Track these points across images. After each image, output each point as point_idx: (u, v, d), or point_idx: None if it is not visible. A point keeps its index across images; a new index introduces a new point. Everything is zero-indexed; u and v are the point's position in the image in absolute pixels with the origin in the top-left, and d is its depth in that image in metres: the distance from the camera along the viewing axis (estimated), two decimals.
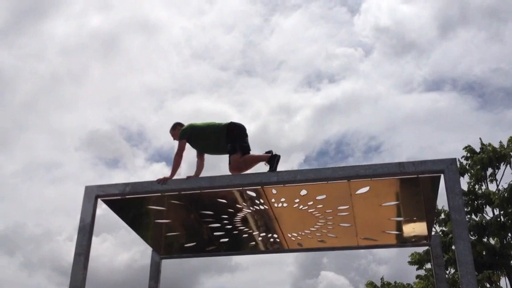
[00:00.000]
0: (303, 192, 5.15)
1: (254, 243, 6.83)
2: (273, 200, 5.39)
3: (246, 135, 5.47)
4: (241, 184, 4.96)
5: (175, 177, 5.16)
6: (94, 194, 5.13)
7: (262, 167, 5.11)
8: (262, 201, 5.40)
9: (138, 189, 5.12)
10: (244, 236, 6.53)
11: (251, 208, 5.63)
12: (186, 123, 5.67)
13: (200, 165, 5.55)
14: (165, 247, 7.02)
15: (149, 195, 5.24)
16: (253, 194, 5.23)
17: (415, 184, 4.92)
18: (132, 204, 5.48)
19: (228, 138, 5.33)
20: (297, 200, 5.39)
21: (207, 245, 7.01)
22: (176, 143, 5.47)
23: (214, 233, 6.46)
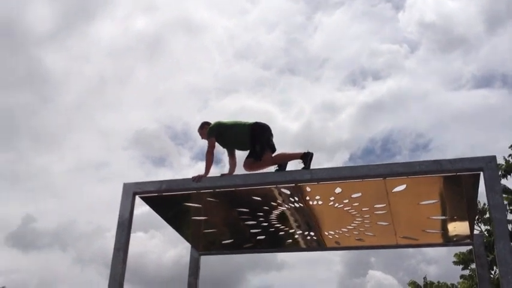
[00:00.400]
0: (338, 190, 5.10)
1: (291, 240, 6.82)
2: (307, 198, 5.36)
3: (271, 135, 5.48)
4: (275, 182, 4.97)
5: (209, 174, 5.21)
6: (132, 191, 5.24)
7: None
8: (297, 198, 5.38)
9: (174, 186, 5.20)
10: (280, 233, 6.53)
11: (286, 206, 5.62)
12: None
13: (233, 164, 5.58)
14: (203, 244, 7.10)
15: (185, 193, 5.31)
16: (288, 192, 5.21)
17: (454, 182, 4.80)
18: (168, 201, 5.56)
19: (252, 137, 5.36)
20: (332, 198, 5.34)
21: (244, 242, 7.05)
22: (204, 142, 5.54)
23: (251, 231, 6.49)
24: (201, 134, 5.75)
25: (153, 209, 5.79)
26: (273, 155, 5.25)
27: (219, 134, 5.48)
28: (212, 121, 5.69)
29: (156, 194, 5.33)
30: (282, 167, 5.13)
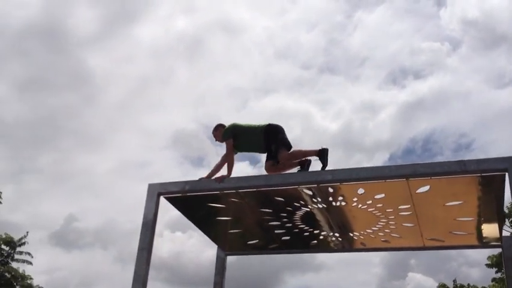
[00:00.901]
0: (360, 191, 5.08)
1: (316, 242, 6.80)
2: (330, 199, 5.35)
3: (282, 132, 5.53)
4: (297, 182, 4.98)
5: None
6: (156, 192, 5.33)
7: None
8: (319, 199, 5.37)
9: (197, 187, 5.28)
10: (305, 234, 6.52)
11: (309, 207, 5.62)
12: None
13: (230, 165, 5.57)
14: (229, 244, 7.16)
15: (208, 193, 5.37)
16: (310, 193, 5.21)
17: (479, 183, 4.71)
18: (192, 202, 5.63)
19: (267, 139, 5.41)
20: (355, 199, 5.32)
21: (269, 243, 7.07)
22: (218, 144, 5.63)
23: (276, 231, 6.51)
24: (215, 136, 5.82)
25: (178, 210, 5.88)
26: (289, 152, 5.29)
27: (234, 135, 5.53)
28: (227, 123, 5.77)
29: (180, 195, 5.43)
30: (304, 167, 5.15)
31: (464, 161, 4.44)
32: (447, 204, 5.27)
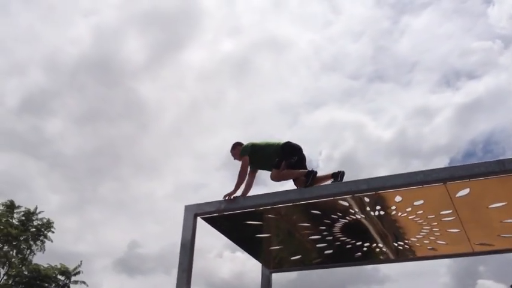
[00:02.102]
0: (398, 198, 4.95)
1: (360, 254, 6.66)
2: (368, 209, 5.24)
3: (298, 154, 5.54)
4: (331, 194, 4.91)
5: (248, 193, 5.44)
6: (193, 213, 5.38)
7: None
8: (356, 210, 5.27)
9: (232, 205, 5.28)
10: (348, 246, 6.40)
11: (347, 218, 5.52)
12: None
13: (250, 183, 5.65)
14: (272, 261, 7.10)
15: (244, 211, 5.36)
16: (346, 204, 5.13)
17: None
18: (229, 221, 5.64)
19: (282, 155, 5.47)
20: (394, 207, 5.19)
21: (312, 258, 6.98)
22: (237, 162, 5.64)
23: (317, 245, 6.42)
24: (233, 155, 5.85)
25: (217, 230, 5.89)
26: (281, 172, 5.38)
27: (251, 153, 5.57)
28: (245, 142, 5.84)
29: (216, 214, 5.44)
30: (337, 179, 5.08)
31: (503, 160, 4.27)
32: (490, 206, 5.07)
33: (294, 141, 5.71)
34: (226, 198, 5.28)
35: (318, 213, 5.44)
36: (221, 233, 6.01)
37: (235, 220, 5.62)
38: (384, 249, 6.45)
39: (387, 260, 6.92)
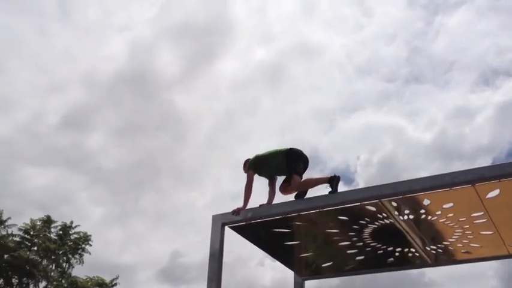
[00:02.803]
0: (426, 202, 4.86)
1: (392, 259, 6.56)
2: (396, 213, 5.17)
3: (304, 162, 5.50)
4: (357, 200, 4.86)
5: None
6: (220, 222, 5.40)
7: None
8: (384, 215, 5.20)
9: (259, 214, 5.29)
10: (379, 252, 6.31)
11: (376, 223, 5.45)
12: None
13: (272, 193, 5.66)
14: (304, 268, 7.07)
15: (271, 219, 5.36)
16: (373, 209, 5.06)
17: None
18: (257, 229, 5.64)
19: (288, 162, 5.45)
20: (423, 211, 5.10)
21: (344, 264, 6.92)
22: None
23: (348, 251, 6.35)
24: (245, 171, 5.84)
25: (246, 238, 5.90)
26: (302, 180, 5.29)
27: (257, 167, 5.60)
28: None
29: (244, 223, 5.46)
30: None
31: None
32: None
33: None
34: (234, 214, 5.31)
35: (346, 219, 5.39)
36: (250, 241, 6.02)
37: (262, 228, 5.62)
38: (417, 254, 6.33)
39: (421, 265, 6.78)
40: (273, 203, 5.54)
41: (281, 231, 5.78)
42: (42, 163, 44.62)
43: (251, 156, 5.80)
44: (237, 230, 5.60)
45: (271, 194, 5.65)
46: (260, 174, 5.70)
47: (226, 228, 5.46)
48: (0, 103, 44.82)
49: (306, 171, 5.52)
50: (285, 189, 5.45)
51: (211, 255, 5.25)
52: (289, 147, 5.62)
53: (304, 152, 5.63)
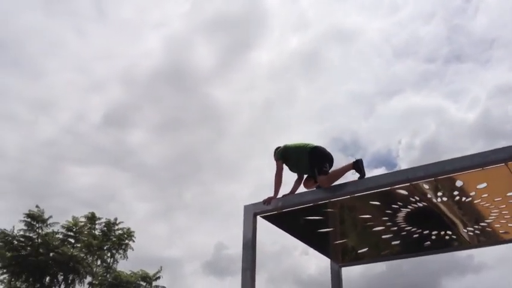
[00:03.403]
0: (459, 183, 4.77)
1: (429, 242, 6.47)
2: (429, 196, 5.09)
3: (327, 160, 5.39)
4: (388, 184, 4.81)
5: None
6: (252, 212, 5.44)
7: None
8: (417, 198, 5.13)
9: (290, 202, 5.30)
10: (414, 236, 6.24)
11: (409, 207, 5.38)
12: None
13: (297, 183, 5.67)
14: (340, 255, 7.06)
15: (302, 207, 5.36)
16: (405, 192, 5.00)
17: None
18: (289, 218, 5.64)
19: (311, 161, 5.38)
20: (456, 193, 5.00)
21: (380, 250, 6.86)
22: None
23: (382, 237, 6.30)
24: (275, 160, 5.82)
25: (279, 227, 5.93)
26: (327, 176, 5.19)
27: (284, 157, 5.58)
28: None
29: (275, 212, 5.48)
30: (359, 170, 5.10)
31: None
32: None
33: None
34: (265, 203, 5.33)
35: (378, 204, 5.35)
36: (284, 230, 6.04)
37: (294, 217, 5.63)
38: (454, 237, 6.23)
39: (460, 247, 6.69)
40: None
41: (314, 219, 5.78)
42: (87, 162, 45.93)
43: (283, 144, 5.80)
44: (270, 219, 5.62)
45: (297, 184, 5.64)
46: (287, 166, 5.68)
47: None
48: (43, 104, 46.31)
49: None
50: (308, 186, 5.49)
51: (244, 245, 5.29)
52: (313, 145, 5.55)
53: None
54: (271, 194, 5.37)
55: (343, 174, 5.18)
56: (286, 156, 5.60)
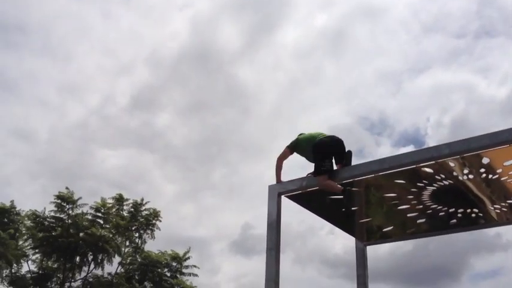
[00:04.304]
0: (485, 160, 4.71)
1: (455, 220, 6.42)
2: (455, 173, 5.04)
3: (330, 154, 5.37)
4: (413, 162, 4.77)
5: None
6: (276, 192, 5.48)
7: None
8: (443, 176, 5.09)
9: (314, 182, 5.31)
10: (440, 214, 6.20)
11: (434, 185, 5.34)
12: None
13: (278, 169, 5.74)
14: (365, 234, 7.06)
15: None
16: (431, 171, 4.96)
17: None
18: (313, 197, 5.66)
19: (314, 153, 5.43)
20: (483, 170, 4.94)
21: (405, 228, 6.84)
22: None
23: (408, 215, 6.28)
24: None
25: (304, 207, 5.96)
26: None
27: (295, 146, 5.67)
28: None
29: (300, 192, 5.51)
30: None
31: None
32: None
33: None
34: None
35: (403, 183, 5.32)
36: (308, 210, 6.07)
37: (319, 196, 5.64)
38: (481, 214, 6.17)
39: (487, 225, 6.60)
40: None
41: (338, 198, 5.78)
42: (116, 144, 46.64)
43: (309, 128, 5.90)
44: (294, 199, 5.66)
45: (277, 170, 5.68)
46: (301, 155, 5.74)
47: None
48: (73, 88, 46.99)
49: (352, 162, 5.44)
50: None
51: (269, 225, 5.34)
52: (320, 137, 5.54)
53: (340, 141, 5.53)
54: (297, 175, 5.41)
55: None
56: (298, 147, 5.67)
